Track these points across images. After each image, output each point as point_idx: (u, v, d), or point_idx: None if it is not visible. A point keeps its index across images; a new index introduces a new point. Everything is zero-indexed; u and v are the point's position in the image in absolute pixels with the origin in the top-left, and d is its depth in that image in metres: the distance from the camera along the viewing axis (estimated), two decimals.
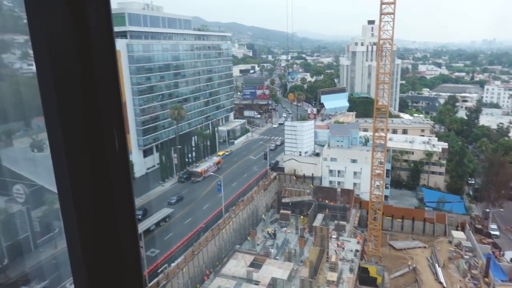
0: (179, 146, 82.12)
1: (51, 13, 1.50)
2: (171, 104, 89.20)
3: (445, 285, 51.16)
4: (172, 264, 45.31)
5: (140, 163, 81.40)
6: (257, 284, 43.59)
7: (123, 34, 79.36)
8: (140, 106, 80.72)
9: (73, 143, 1.53)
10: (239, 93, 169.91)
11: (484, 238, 65.17)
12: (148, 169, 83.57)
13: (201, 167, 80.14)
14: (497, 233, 71.08)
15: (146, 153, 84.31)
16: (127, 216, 1.73)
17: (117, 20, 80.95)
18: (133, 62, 78.96)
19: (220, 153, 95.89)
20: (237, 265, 48.10)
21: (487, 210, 76.89)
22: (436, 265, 55.80)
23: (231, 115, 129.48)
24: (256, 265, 48.58)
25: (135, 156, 79.82)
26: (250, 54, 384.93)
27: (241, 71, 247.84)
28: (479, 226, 70.40)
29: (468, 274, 52.45)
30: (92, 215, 1.62)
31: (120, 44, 77.13)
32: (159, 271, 44.86)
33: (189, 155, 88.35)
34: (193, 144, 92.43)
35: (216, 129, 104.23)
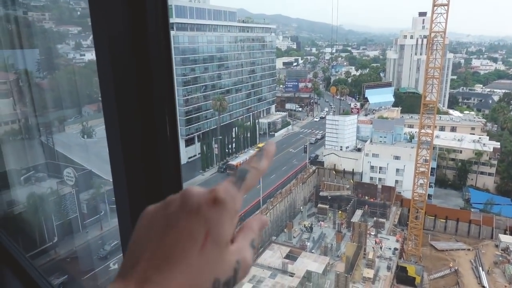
0: (220, 137, 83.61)
1: (112, 4, 1.56)
2: (214, 95, 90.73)
3: None
4: None
5: (182, 152, 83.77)
6: (292, 276, 43.81)
7: (170, 26, 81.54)
8: (183, 96, 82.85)
9: (128, 129, 1.69)
10: (281, 86, 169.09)
11: None
12: (189, 158, 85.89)
13: (237, 160, 78.01)
14: None
15: (188, 142, 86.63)
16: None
17: None
18: (178, 54, 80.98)
19: (260, 145, 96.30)
20: (272, 256, 48.54)
21: None
22: (480, 268, 53.15)
23: (273, 107, 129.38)
24: (291, 257, 48.78)
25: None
26: (294, 46, 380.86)
27: (284, 63, 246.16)
28: None
29: None
30: (143, 200, 1.79)
31: None
32: None
33: (230, 146, 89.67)
34: (234, 135, 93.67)
35: (257, 121, 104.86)
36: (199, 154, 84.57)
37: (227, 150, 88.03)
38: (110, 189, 49.97)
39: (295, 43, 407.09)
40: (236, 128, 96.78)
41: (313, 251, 53.88)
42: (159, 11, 1.61)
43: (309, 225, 61.60)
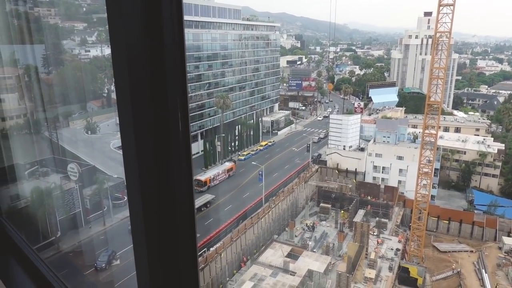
0: (223, 135, 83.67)
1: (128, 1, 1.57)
2: (217, 93, 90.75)
3: None
4: (211, 249, 46.67)
5: None
6: (293, 275, 43.83)
7: None
8: (188, 94, 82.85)
9: (141, 124, 1.70)
10: (285, 84, 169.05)
11: None
12: (192, 155, 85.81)
13: (206, 175, 68.65)
14: None
15: (192, 139, 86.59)
16: (185, 197, 1.90)
17: None
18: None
19: (263, 143, 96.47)
20: (274, 254, 48.58)
21: None
22: (483, 270, 52.96)
23: (276, 106, 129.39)
24: (293, 256, 48.79)
25: None
26: (298, 45, 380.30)
27: (288, 62, 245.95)
28: None
29: None
30: (154, 193, 1.81)
31: None
32: (198, 254, 46.38)
33: (232, 144, 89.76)
34: (237, 133, 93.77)
35: (260, 119, 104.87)
36: (201, 151, 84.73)
37: (230, 148, 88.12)
38: (113, 184, 50.23)
39: (299, 41, 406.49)
40: (239, 126, 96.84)
41: (314, 250, 53.86)
42: (174, 6, 1.63)
43: (311, 224, 61.58)
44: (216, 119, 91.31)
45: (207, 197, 61.95)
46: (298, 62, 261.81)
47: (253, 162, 77.65)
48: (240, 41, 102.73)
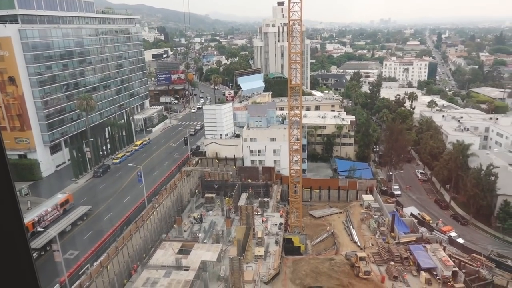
0: (92, 139, 76.99)
1: None
2: (78, 94, 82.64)
3: (359, 244, 56.52)
4: (95, 263, 43.09)
5: (48, 161, 74.72)
6: (187, 270, 43.58)
7: (13, 19, 70.67)
8: (41, 98, 73.36)
9: None
10: (153, 79, 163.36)
11: (389, 198, 73.09)
12: (57, 166, 77.10)
13: (32, 215, 52.46)
14: (399, 192, 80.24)
15: (54, 149, 77.54)
16: (12, 225, 1.64)
17: (3, 3, 71.61)
18: (29, 50, 71.05)
19: (138, 142, 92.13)
20: (165, 254, 47.43)
21: (390, 173, 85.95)
22: (351, 227, 61.22)
23: (147, 102, 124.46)
24: (184, 251, 48.40)
25: (41, 154, 73.04)
26: (162, 37, 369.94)
27: (153, 55, 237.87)
28: (385, 188, 78.72)
29: (378, 232, 58.55)
30: None
31: (10, 30, 68.72)
32: (80, 272, 42.38)
33: (104, 148, 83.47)
34: (107, 136, 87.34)
35: (131, 118, 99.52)
36: (68, 160, 76.59)
37: (102, 152, 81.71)
38: None
39: (162, 34, 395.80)
40: (109, 127, 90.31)
41: (205, 241, 54.38)
42: None
43: (199, 216, 61.87)
44: (81, 123, 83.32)
45: (82, 209, 56.65)
46: (164, 55, 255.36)
47: (129, 164, 73.67)
48: (98, 36, 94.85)
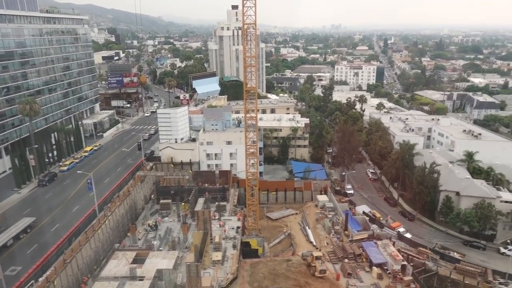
0: (36, 146, 72.44)
1: None
2: (21, 98, 77.52)
3: (314, 244, 57.69)
4: (40, 279, 40.39)
5: None
6: (142, 280, 42.11)
7: None
8: None
9: None
10: (103, 82, 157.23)
11: (342, 197, 75.44)
12: None
13: None
14: (351, 191, 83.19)
15: None
16: None
17: None
18: None
19: (88, 148, 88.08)
20: (118, 264, 45.53)
21: (343, 173, 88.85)
22: (307, 227, 62.35)
23: (97, 106, 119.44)
24: (139, 260, 46.76)
25: None
26: (113, 39, 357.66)
27: (104, 58, 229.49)
28: (338, 188, 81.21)
29: (332, 231, 60.11)
30: None
31: None
32: None
33: (50, 154, 78.85)
34: (54, 142, 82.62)
35: (80, 122, 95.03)
36: (10, 169, 71.47)
37: (47, 160, 77.11)
38: None
39: (113, 35, 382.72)
40: (56, 133, 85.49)
41: (161, 248, 52.91)
42: None
43: (154, 223, 60.07)
44: (24, 129, 78.21)
45: (26, 221, 53.04)
46: (116, 58, 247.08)
47: (78, 171, 70.15)
48: (42, 36, 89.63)
